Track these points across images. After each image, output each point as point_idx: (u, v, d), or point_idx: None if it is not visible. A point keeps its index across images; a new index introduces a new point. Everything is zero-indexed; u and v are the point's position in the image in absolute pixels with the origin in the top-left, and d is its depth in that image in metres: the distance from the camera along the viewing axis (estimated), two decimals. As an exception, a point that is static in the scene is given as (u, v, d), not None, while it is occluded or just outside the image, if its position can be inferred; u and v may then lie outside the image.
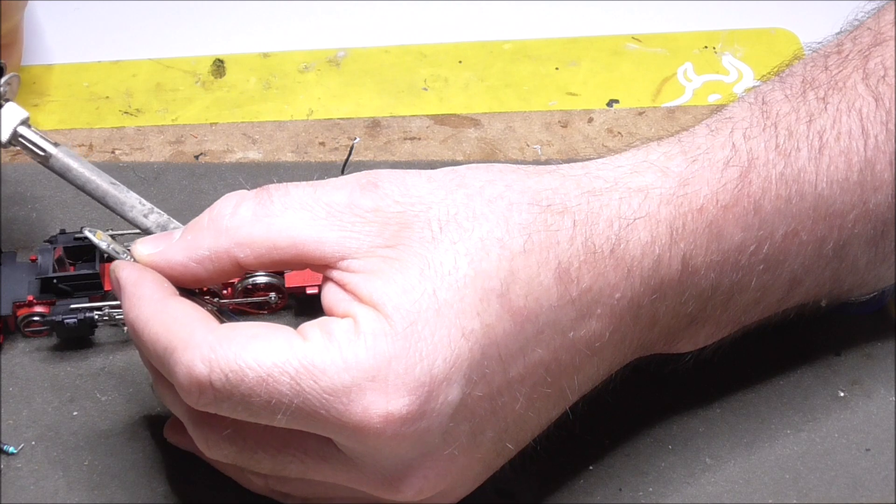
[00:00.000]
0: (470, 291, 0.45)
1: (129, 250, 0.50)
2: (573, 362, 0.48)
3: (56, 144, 0.54)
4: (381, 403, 0.43)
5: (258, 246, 0.47)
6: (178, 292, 0.48)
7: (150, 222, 0.54)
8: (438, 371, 0.44)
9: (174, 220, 0.54)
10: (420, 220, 0.46)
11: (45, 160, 0.54)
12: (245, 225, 0.47)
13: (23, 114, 0.55)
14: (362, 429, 0.44)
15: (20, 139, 0.54)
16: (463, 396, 0.45)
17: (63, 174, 0.54)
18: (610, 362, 0.50)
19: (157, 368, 0.47)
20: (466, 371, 0.45)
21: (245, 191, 0.48)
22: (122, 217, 0.54)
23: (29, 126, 0.55)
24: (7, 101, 0.55)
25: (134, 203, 0.54)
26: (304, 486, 0.49)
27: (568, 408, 0.50)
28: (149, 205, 0.54)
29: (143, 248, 0.49)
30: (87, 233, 0.52)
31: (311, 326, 0.45)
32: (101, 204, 0.54)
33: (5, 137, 0.54)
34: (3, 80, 0.55)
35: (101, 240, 0.52)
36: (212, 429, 0.47)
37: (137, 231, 0.60)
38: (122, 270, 0.49)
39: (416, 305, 0.44)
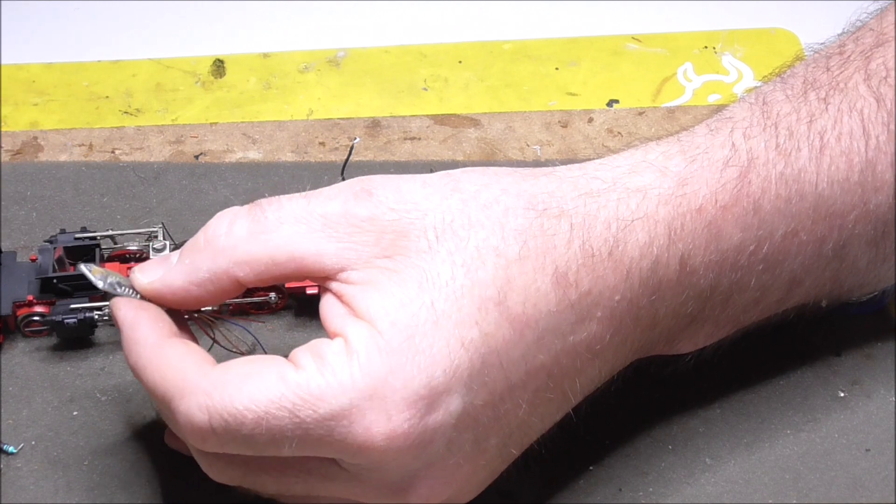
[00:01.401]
0: (467, 301, 0.45)
1: (128, 280, 0.50)
2: (574, 366, 0.48)
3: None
4: (383, 421, 0.43)
5: (257, 263, 0.47)
6: (175, 327, 0.48)
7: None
8: (438, 383, 0.44)
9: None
10: (416, 227, 0.46)
11: None
12: (241, 243, 0.47)
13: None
14: (366, 448, 0.44)
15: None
16: (465, 406, 0.45)
17: None
18: (611, 364, 0.50)
19: (161, 411, 0.47)
20: (467, 381, 0.45)
21: (237, 207, 0.48)
22: None
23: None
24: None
25: None
26: (311, 501, 0.49)
27: (571, 410, 0.50)
28: None
29: (142, 276, 0.49)
30: (83, 268, 0.51)
31: (303, 353, 0.45)
32: None
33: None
34: None
35: (97, 276, 0.50)
36: (217, 456, 0.47)
37: (138, 231, 0.60)
38: (119, 310, 0.49)
39: (414, 319, 0.44)
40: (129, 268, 0.59)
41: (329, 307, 0.46)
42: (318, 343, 0.45)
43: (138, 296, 0.49)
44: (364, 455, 0.44)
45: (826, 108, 0.52)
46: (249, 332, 0.57)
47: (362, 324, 0.44)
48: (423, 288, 0.45)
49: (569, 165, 0.50)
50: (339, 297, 0.46)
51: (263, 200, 0.48)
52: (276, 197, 0.48)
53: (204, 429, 0.44)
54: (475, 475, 0.48)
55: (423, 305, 0.44)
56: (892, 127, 0.51)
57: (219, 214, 0.48)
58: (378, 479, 0.46)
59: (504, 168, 0.49)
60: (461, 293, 0.45)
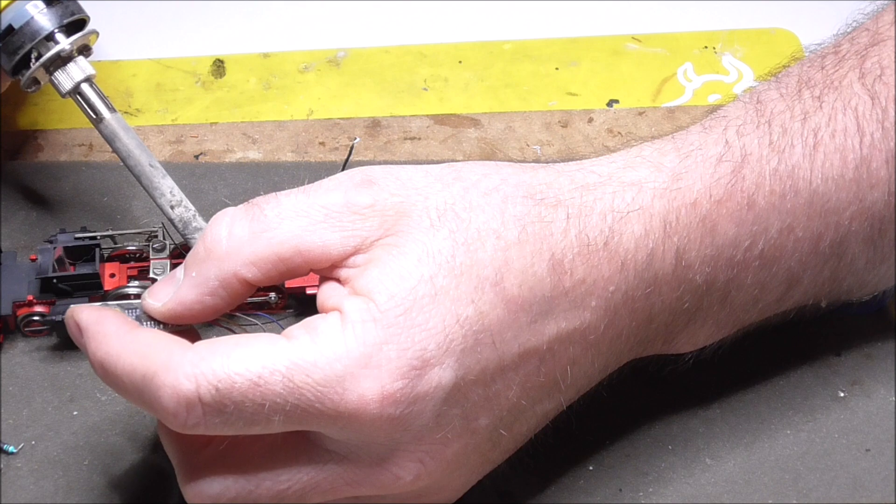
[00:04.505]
0: (465, 279, 0.45)
1: (144, 316, 0.49)
2: (567, 353, 0.48)
3: (113, 111, 0.55)
4: (376, 388, 0.44)
5: (263, 262, 0.46)
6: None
7: (174, 214, 0.54)
8: (431, 355, 0.44)
9: (199, 218, 0.54)
10: (418, 208, 0.47)
11: (96, 122, 0.55)
12: (245, 245, 0.47)
13: (90, 71, 0.56)
14: (359, 415, 0.44)
15: (79, 95, 0.56)
16: (455, 380, 0.45)
17: (110, 141, 0.55)
18: (606, 357, 0.50)
19: (137, 404, 0.46)
20: (459, 356, 0.45)
21: (231, 208, 0.48)
22: (152, 200, 0.55)
23: (92, 85, 0.56)
24: (81, 55, 0.56)
25: (164, 191, 0.55)
26: None
27: (563, 401, 0.50)
28: (179, 196, 0.54)
29: (154, 300, 0.48)
30: None
31: (296, 327, 0.45)
32: (137, 181, 0.55)
33: (66, 88, 0.55)
34: (79, 35, 0.56)
35: None
36: (206, 468, 0.46)
37: (138, 231, 0.60)
38: (81, 312, 0.48)
39: (412, 292, 0.45)
40: (130, 267, 0.59)
41: (328, 290, 0.47)
42: (311, 318, 0.45)
43: (149, 323, 0.49)
44: (356, 423, 0.44)
45: (820, 106, 0.52)
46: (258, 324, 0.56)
47: (359, 297, 0.45)
48: (423, 261, 0.45)
49: (566, 162, 0.51)
50: (342, 281, 0.46)
51: (259, 199, 0.48)
52: (272, 194, 0.48)
53: (191, 399, 0.43)
54: (465, 456, 0.48)
55: (423, 280, 0.45)
56: (887, 124, 0.52)
57: (214, 219, 0.48)
58: (368, 455, 0.46)
59: (503, 161, 0.50)
60: (460, 271, 0.45)
